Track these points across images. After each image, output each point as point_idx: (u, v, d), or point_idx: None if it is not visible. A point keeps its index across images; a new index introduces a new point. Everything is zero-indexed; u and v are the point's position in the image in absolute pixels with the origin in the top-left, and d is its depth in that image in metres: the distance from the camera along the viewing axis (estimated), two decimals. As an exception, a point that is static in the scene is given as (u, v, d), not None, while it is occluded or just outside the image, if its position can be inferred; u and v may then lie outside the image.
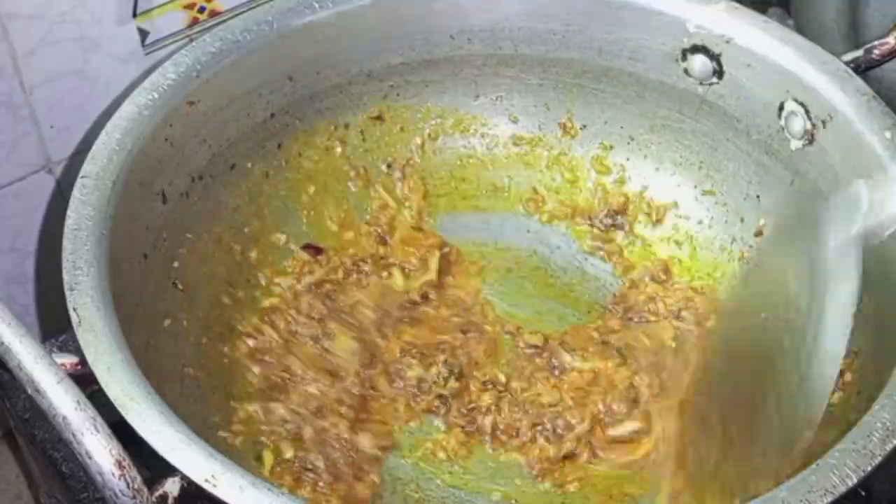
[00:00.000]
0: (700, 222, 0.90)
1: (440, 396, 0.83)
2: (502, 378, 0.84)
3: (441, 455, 0.81)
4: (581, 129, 0.93)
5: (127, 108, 0.76)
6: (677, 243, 0.91)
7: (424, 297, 0.88)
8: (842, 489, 0.60)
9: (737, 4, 0.86)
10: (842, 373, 0.76)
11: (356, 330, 0.85)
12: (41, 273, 0.96)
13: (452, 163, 0.94)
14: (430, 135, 0.93)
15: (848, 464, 0.61)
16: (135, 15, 0.86)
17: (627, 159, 0.93)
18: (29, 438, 0.84)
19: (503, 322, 0.88)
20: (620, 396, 0.82)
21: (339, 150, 0.90)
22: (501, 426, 0.82)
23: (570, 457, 0.80)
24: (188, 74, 0.79)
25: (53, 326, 0.97)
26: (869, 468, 0.61)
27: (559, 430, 0.81)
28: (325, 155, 0.90)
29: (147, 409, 0.61)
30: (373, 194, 0.91)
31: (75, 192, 0.71)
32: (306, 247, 0.88)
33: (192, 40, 0.86)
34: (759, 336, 0.77)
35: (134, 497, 0.56)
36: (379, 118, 0.91)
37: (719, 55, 0.85)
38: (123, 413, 0.61)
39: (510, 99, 0.93)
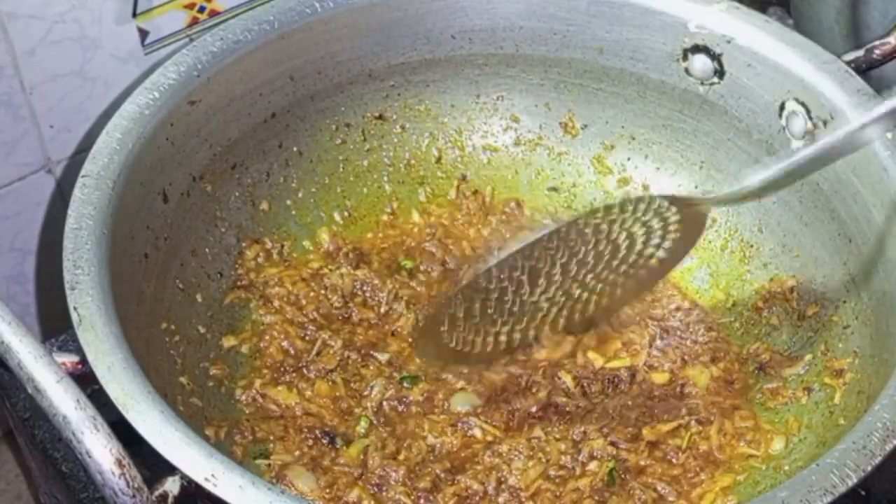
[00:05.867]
0: (700, 222, 0.90)
1: None
2: None
3: None
4: (582, 128, 0.93)
5: (127, 108, 0.76)
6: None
7: None
8: (842, 489, 0.60)
9: (737, 4, 0.86)
10: (842, 373, 0.76)
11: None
12: (41, 273, 0.96)
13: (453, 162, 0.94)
14: (431, 135, 0.93)
15: (848, 463, 0.61)
16: (135, 15, 0.86)
17: (628, 159, 0.93)
18: (29, 438, 0.84)
19: None
20: None
21: (340, 150, 0.90)
22: None
23: None
24: (189, 74, 0.79)
25: (53, 326, 0.97)
26: (869, 468, 0.62)
27: None
28: (326, 155, 0.90)
29: (147, 408, 0.61)
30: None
31: (76, 192, 0.71)
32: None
33: (192, 40, 0.86)
34: None
35: (134, 496, 0.56)
36: (380, 118, 0.91)
37: (720, 55, 0.85)
38: (123, 412, 0.61)
39: (511, 99, 0.93)
